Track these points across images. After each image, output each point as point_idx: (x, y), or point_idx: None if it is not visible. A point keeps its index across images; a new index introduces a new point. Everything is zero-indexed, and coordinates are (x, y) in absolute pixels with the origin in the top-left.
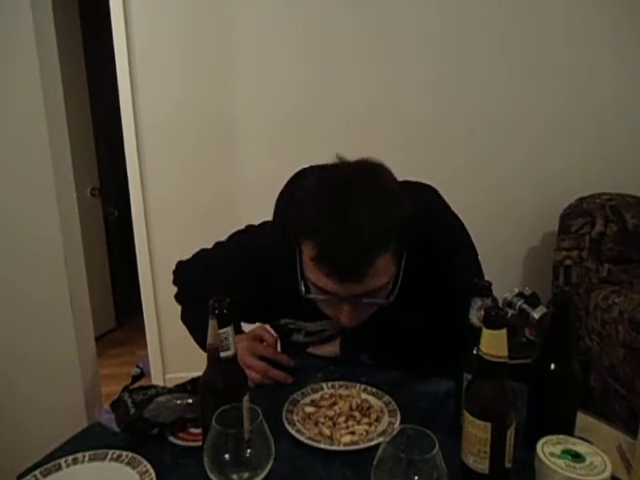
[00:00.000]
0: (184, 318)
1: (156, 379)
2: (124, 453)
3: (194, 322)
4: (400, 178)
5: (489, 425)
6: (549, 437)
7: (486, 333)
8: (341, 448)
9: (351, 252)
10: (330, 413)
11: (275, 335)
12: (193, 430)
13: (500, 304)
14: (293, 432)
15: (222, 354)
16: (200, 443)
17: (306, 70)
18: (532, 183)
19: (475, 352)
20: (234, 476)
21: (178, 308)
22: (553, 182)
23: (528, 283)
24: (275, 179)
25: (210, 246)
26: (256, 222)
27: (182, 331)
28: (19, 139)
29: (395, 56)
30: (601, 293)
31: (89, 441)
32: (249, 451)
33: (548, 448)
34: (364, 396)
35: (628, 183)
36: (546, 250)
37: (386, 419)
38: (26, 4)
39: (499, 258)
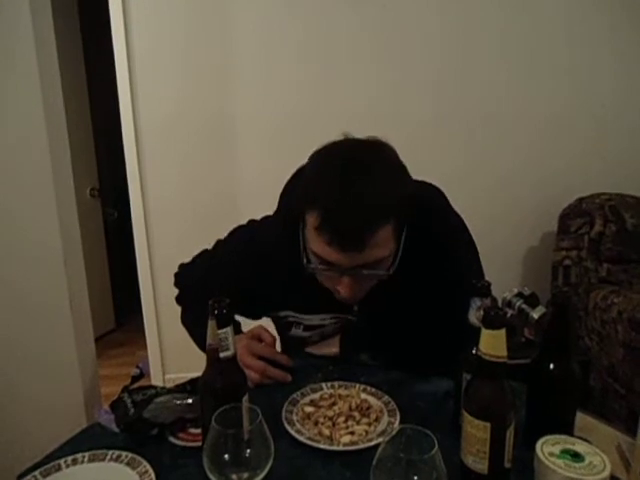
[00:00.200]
0: (184, 320)
1: (155, 380)
2: (124, 453)
3: (194, 323)
4: None
5: (488, 425)
6: (548, 437)
7: (485, 333)
8: (340, 448)
9: (353, 221)
10: (329, 413)
11: (274, 335)
12: (193, 430)
13: (499, 304)
14: (292, 432)
15: (221, 354)
16: (200, 443)
17: (306, 70)
18: (532, 183)
19: (474, 352)
20: (233, 476)
21: (178, 309)
22: (552, 182)
23: (527, 283)
24: (275, 179)
25: (211, 246)
26: None
27: (182, 332)
28: (19, 140)
29: (395, 56)
30: (600, 293)
31: (89, 441)
32: (248, 451)
33: (547, 448)
34: (363, 396)
35: (628, 183)
36: (545, 250)
37: (385, 419)
38: (25, 5)
39: (498, 258)
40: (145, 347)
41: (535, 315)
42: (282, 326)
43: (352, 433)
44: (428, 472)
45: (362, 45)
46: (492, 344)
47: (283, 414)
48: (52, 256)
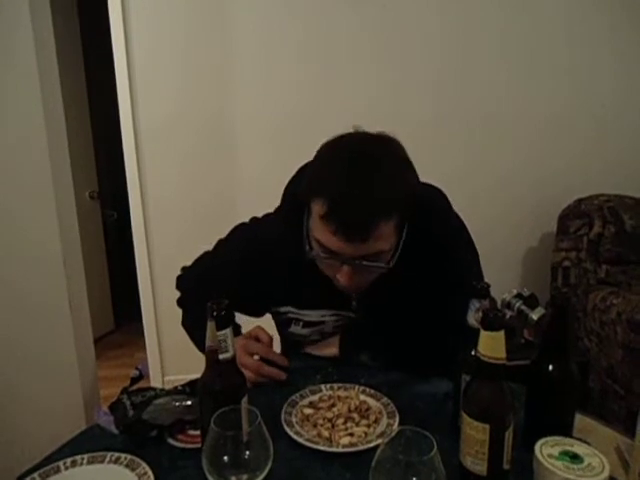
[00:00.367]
0: (184, 323)
1: (155, 381)
2: (123, 455)
3: (195, 324)
4: None
5: (487, 427)
6: (547, 438)
7: (484, 335)
8: (340, 450)
9: (360, 212)
10: (329, 415)
11: (271, 335)
12: (192, 432)
13: (499, 305)
14: (292, 434)
15: (221, 356)
16: (199, 445)
17: (306, 70)
18: (531, 183)
19: (473, 354)
20: (233, 478)
21: (177, 310)
22: (552, 183)
23: (526, 284)
24: (275, 180)
25: (211, 247)
26: None
27: (181, 333)
28: (18, 142)
29: (395, 56)
30: (599, 294)
31: (88, 443)
32: (248, 453)
33: (546, 449)
34: (363, 398)
35: (627, 184)
36: (544, 251)
37: (385, 420)
38: (25, 7)
39: (498, 259)
40: (144, 349)
41: (534, 316)
42: (282, 323)
43: (351, 435)
44: (427, 473)
45: (362, 45)
46: (491, 346)
47: (282, 416)
48: (52, 257)
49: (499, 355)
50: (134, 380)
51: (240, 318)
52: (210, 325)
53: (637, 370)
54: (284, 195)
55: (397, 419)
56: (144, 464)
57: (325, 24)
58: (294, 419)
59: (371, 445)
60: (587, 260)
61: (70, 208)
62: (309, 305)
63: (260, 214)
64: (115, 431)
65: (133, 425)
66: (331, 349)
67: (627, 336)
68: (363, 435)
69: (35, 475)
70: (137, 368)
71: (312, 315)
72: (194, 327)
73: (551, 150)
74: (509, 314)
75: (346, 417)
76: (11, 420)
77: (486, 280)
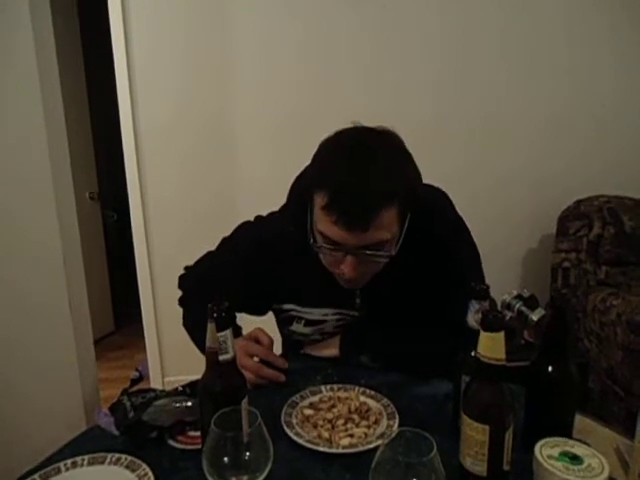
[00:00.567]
0: (185, 323)
1: (155, 382)
2: (123, 456)
3: (196, 325)
4: None
5: (487, 428)
6: (547, 439)
7: (484, 336)
8: (340, 451)
9: (359, 202)
10: (329, 416)
11: (271, 337)
12: (192, 433)
13: (499, 306)
14: (292, 435)
15: (221, 357)
16: (199, 446)
17: (306, 70)
18: (531, 185)
19: (473, 355)
20: (233, 479)
21: (177, 311)
22: (551, 184)
23: (526, 285)
24: (275, 180)
25: (214, 247)
26: None
27: (181, 334)
28: (18, 142)
29: (395, 56)
30: (599, 295)
31: (88, 444)
32: (248, 454)
33: (546, 450)
34: (363, 399)
35: (627, 185)
36: (544, 252)
37: (385, 422)
38: (25, 7)
39: (497, 260)
40: (144, 350)
41: (534, 317)
42: (284, 320)
43: (351, 436)
44: (427, 475)
45: (362, 45)
46: (491, 347)
47: (282, 417)
48: (52, 258)
49: (499, 356)
50: (134, 381)
51: (241, 318)
52: (210, 326)
53: (637, 371)
54: (290, 193)
55: (397, 420)
56: (144, 465)
57: (325, 24)
58: (294, 420)
59: (371, 446)
60: (587, 261)
61: (70, 209)
62: (312, 303)
63: (260, 213)
64: (115, 432)
65: (133, 426)
66: (331, 350)
67: (627, 337)
68: (363, 436)
69: (35, 476)
70: (137, 369)
71: (314, 313)
72: (195, 327)
73: (551, 151)
74: (509, 315)
75: (346, 418)
76: (11, 421)
77: (486, 281)
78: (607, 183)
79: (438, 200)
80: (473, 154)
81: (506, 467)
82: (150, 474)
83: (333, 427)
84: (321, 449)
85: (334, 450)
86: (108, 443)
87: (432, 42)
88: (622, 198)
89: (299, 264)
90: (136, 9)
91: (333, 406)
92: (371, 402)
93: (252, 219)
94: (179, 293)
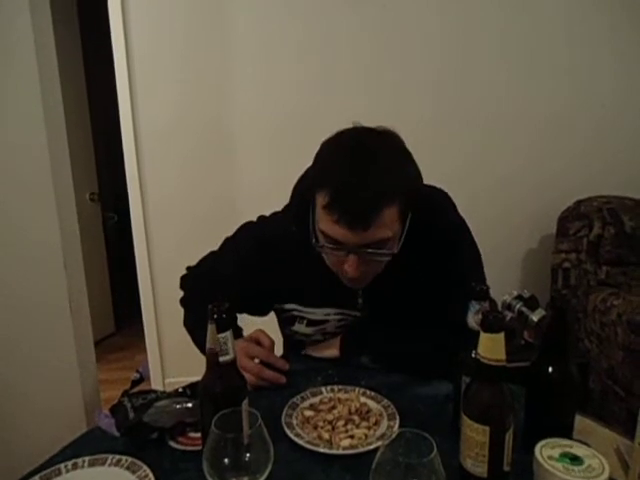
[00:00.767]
0: (186, 322)
1: (155, 384)
2: (124, 458)
3: (196, 325)
4: None
5: (487, 428)
6: (547, 440)
7: (484, 337)
8: (340, 452)
9: (360, 200)
10: (329, 417)
11: (272, 339)
12: (192, 434)
13: (499, 307)
14: (292, 436)
15: (221, 358)
16: (200, 447)
17: (306, 70)
18: (531, 185)
19: (473, 355)
20: None
21: (178, 312)
22: (552, 184)
23: (527, 285)
24: (275, 182)
25: (216, 248)
26: None
27: (181, 335)
28: (18, 144)
29: (395, 56)
30: (599, 295)
31: (89, 446)
32: (248, 455)
33: (546, 451)
34: (363, 400)
35: (627, 185)
36: (544, 253)
37: (385, 423)
38: (25, 8)
39: (498, 260)
40: (145, 351)
41: (535, 318)
42: (286, 320)
43: (352, 437)
44: (427, 476)
45: (362, 45)
46: (491, 347)
47: (283, 418)
48: (52, 260)
49: (499, 357)
50: (135, 383)
51: (242, 318)
52: (211, 327)
53: (637, 371)
54: (293, 193)
55: (397, 421)
56: (145, 466)
57: (325, 24)
58: (294, 421)
59: (371, 447)
60: (587, 261)
61: (71, 210)
62: (314, 303)
63: (261, 214)
64: (116, 433)
65: (134, 427)
66: (332, 351)
67: (627, 337)
68: (363, 437)
69: (36, 477)
70: (138, 371)
71: (317, 313)
72: (196, 327)
73: (551, 151)
74: (509, 316)
75: (346, 419)
76: (12, 422)
77: (487, 281)
78: (607, 183)
79: (440, 200)
80: (473, 154)
81: (506, 468)
82: (151, 475)
83: (333, 428)
84: (321, 450)
85: (334, 451)
86: (109, 444)
87: (432, 42)
88: (622, 198)
89: (301, 264)
90: (136, 9)
91: (333, 407)
92: (371, 403)
93: (255, 219)
94: (180, 294)
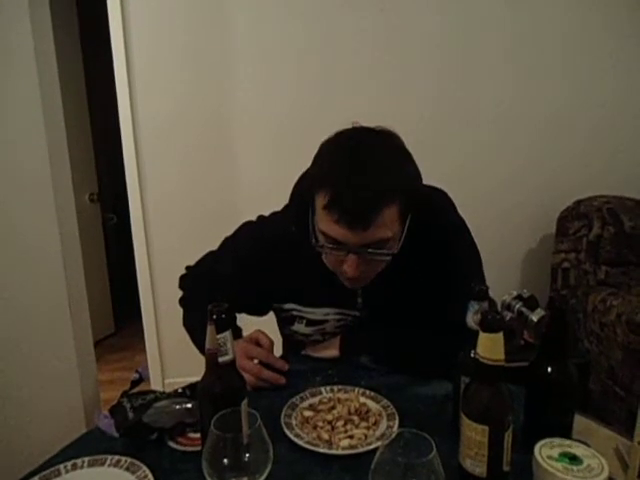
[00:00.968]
0: (185, 322)
1: (155, 384)
2: (123, 458)
3: (196, 325)
4: None
5: (487, 428)
6: (547, 440)
7: (483, 336)
8: (339, 452)
9: (360, 200)
10: (329, 417)
11: (272, 339)
12: (192, 435)
13: (499, 307)
14: (292, 436)
15: (220, 359)
16: (199, 448)
17: (306, 70)
18: (530, 185)
19: (472, 355)
20: None
21: (177, 313)
22: (551, 184)
23: (526, 285)
24: (275, 179)
25: (215, 248)
26: None
27: (181, 336)
28: (17, 144)
29: (395, 56)
30: (599, 295)
31: (88, 446)
32: (247, 455)
33: (546, 451)
34: (362, 400)
35: (627, 185)
36: (544, 253)
37: (384, 423)
38: (25, 7)
39: (497, 260)
40: (144, 352)
41: (534, 318)
42: (285, 320)
43: (351, 437)
44: (426, 476)
45: (362, 45)
46: (490, 347)
47: (282, 418)
48: (52, 261)
49: (498, 357)
50: (134, 383)
51: (241, 318)
52: (210, 328)
53: (637, 371)
54: (292, 194)
55: (397, 421)
56: (144, 467)
57: (325, 24)
58: (294, 422)
59: (371, 447)
60: (587, 261)
61: (70, 211)
62: (313, 303)
63: (263, 213)
64: (115, 434)
65: (133, 428)
66: (331, 351)
67: (627, 337)
68: (363, 437)
69: (36, 478)
70: (137, 371)
71: (316, 313)
72: (195, 327)
73: (550, 151)
74: (509, 315)
75: (346, 419)
76: (12, 423)
77: (486, 281)
78: (607, 183)
79: (439, 201)
80: (473, 154)
81: (506, 468)
82: (150, 476)
83: (333, 428)
84: (321, 450)
85: (334, 451)
86: (108, 445)
87: (432, 42)
88: (622, 198)
89: (301, 264)
90: (135, 8)
91: (333, 407)
92: (371, 403)
93: (254, 219)
94: (179, 294)
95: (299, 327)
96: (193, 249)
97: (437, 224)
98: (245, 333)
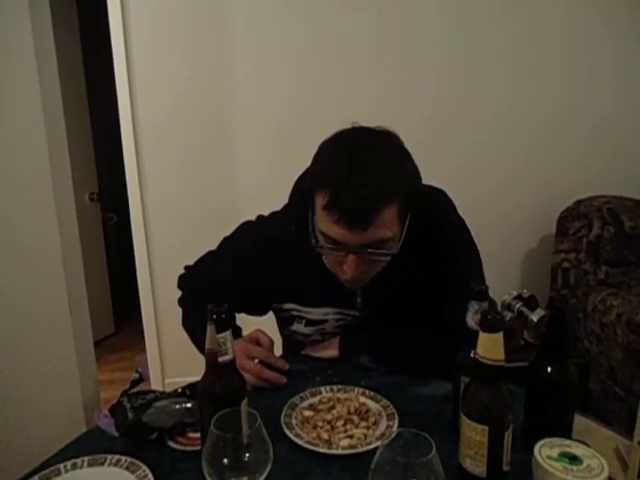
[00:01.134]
0: (185, 323)
1: (155, 384)
2: (123, 458)
3: (195, 325)
4: None
5: (486, 428)
6: (546, 440)
7: (483, 336)
8: (339, 452)
9: (359, 200)
10: (328, 417)
11: (272, 339)
12: (192, 434)
13: (499, 307)
14: (291, 436)
15: (220, 359)
16: (199, 447)
17: (306, 70)
18: (530, 185)
19: (472, 355)
20: None
21: (177, 313)
22: (551, 184)
23: (526, 285)
24: (275, 179)
25: (214, 247)
26: None
27: (181, 336)
28: (17, 144)
29: (395, 56)
30: (599, 295)
31: (88, 446)
32: (247, 455)
33: (545, 451)
34: (362, 400)
35: (627, 185)
36: (544, 253)
37: (384, 422)
38: (24, 7)
39: (497, 260)
40: (144, 351)
41: (534, 318)
42: (284, 320)
43: (351, 437)
44: (426, 475)
45: (362, 45)
46: (489, 347)
47: (282, 418)
48: (52, 260)
49: (497, 357)
50: (134, 383)
51: (241, 318)
52: (210, 328)
53: (637, 371)
54: (292, 194)
55: (396, 421)
56: (144, 467)
57: (325, 23)
58: (294, 421)
59: (370, 447)
60: (586, 261)
61: (70, 211)
62: (313, 302)
63: (262, 213)
64: (115, 434)
65: (133, 428)
66: (331, 351)
67: (627, 337)
68: (362, 437)
69: (35, 478)
70: (137, 371)
71: (315, 313)
72: (195, 327)
73: (551, 151)
74: (509, 315)
75: (346, 419)
76: (12, 423)
77: (486, 282)
78: (607, 183)
79: (439, 201)
80: (473, 154)
81: (505, 468)
82: (150, 475)
83: (333, 428)
84: (321, 450)
85: (334, 451)
86: (108, 444)
87: (432, 42)
88: (622, 198)
89: (300, 264)
90: (135, 6)
91: (332, 407)
92: (370, 403)
93: (254, 218)
94: (179, 293)
95: (299, 327)
96: (193, 249)
97: (437, 224)
98: (245, 333)
